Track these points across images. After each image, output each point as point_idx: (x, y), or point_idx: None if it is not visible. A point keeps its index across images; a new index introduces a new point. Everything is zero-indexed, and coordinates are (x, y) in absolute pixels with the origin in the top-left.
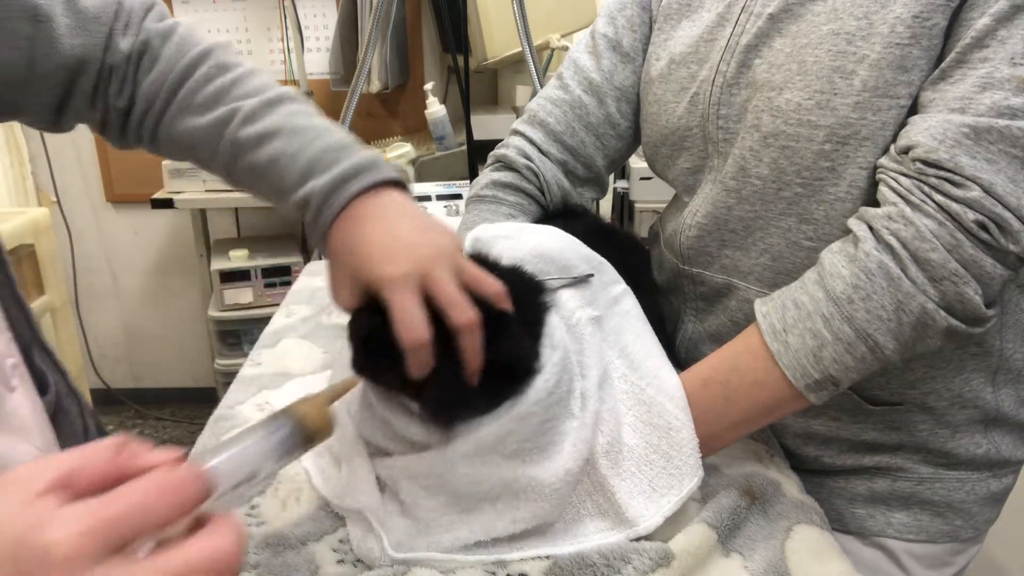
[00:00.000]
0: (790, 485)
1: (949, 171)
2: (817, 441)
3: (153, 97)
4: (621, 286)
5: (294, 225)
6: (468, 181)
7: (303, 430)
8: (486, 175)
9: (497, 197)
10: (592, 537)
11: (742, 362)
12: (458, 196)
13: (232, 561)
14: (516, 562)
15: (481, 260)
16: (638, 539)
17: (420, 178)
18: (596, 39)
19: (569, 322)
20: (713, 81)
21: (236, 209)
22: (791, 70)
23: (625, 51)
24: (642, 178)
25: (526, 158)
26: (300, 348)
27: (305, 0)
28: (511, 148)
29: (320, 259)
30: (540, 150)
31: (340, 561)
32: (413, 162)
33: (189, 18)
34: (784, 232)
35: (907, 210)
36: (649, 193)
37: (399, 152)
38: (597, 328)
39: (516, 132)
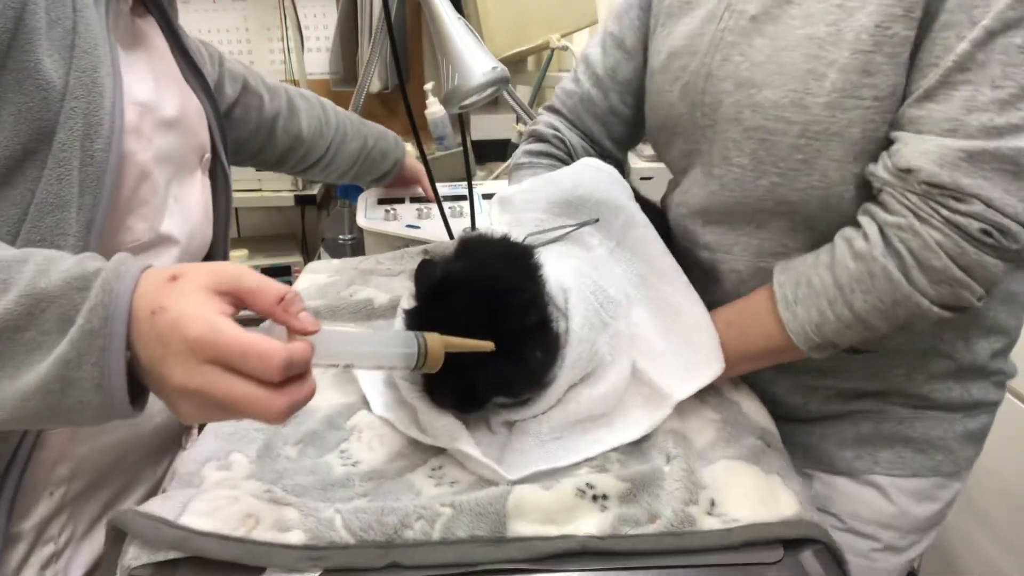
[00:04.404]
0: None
1: (952, 190)
2: (804, 390)
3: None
4: (630, 209)
5: (294, 225)
6: (467, 181)
7: (421, 358)
8: (521, 147)
9: (532, 163)
10: (642, 421)
11: (758, 316)
12: (463, 198)
13: (263, 411)
14: (600, 482)
15: (476, 239)
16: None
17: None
18: (604, 36)
19: (593, 255)
20: (699, 72)
21: (236, 209)
22: (770, 70)
23: (628, 49)
24: (642, 178)
25: (554, 129)
26: None
27: (305, 0)
28: (540, 124)
29: (320, 259)
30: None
31: (437, 484)
32: None
33: (190, 17)
34: (763, 214)
35: (916, 223)
36: (649, 193)
37: None
38: (620, 249)
39: (541, 114)
